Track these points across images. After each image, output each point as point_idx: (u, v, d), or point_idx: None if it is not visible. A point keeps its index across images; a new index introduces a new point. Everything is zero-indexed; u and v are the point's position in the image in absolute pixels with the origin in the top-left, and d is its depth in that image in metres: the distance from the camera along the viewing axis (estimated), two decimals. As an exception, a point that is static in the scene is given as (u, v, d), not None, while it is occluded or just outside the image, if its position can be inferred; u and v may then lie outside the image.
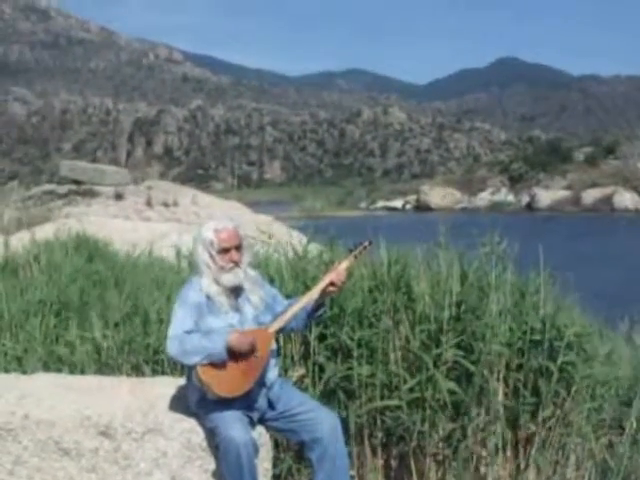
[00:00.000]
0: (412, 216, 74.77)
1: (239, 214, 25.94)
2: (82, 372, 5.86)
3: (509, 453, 5.50)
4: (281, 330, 4.60)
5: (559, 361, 5.35)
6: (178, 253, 8.81)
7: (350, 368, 5.40)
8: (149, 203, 24.20)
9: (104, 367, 6.06)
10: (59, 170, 26.39)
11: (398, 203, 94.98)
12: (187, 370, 4.45)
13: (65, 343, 6.14)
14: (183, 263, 9.06)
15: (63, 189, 24.51)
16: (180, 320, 4.33)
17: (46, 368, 5.90)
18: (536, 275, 5.69)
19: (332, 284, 4.51)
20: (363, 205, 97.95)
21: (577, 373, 5.44)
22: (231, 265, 4.44)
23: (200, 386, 4.25)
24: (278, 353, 5.39)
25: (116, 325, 6.34)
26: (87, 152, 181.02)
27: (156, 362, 5.95)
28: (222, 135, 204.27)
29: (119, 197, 24.17)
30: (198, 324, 4.36)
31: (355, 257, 4.72)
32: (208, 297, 4.43)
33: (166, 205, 24.38)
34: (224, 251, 4.44)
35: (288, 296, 5.09)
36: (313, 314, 4.65)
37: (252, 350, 4.28)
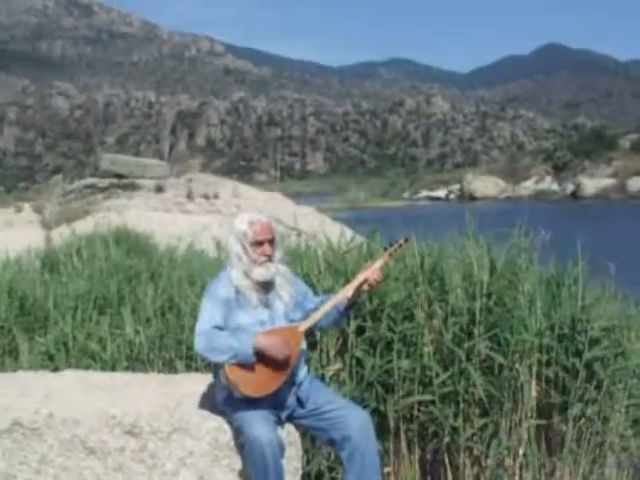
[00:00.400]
0: (456, 206, 74.23)
1: (280, 206, 25.89)
2: (113, 369, 5.81)
3: (543, 450, 5.36)
4: (311, 328, 4.49)
5: (585, 357, 5.21)
6: (218, 245, 8.73)
7: (389, 362, 5.31)
8: (190, 196, 24.22)
9: (136, 363, 6.01)
10: (100, 164, 26.55)
11: (441, 193, 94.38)
12: (214, 367, 4.37)
13: (97, 339, 6.08)
14: (223, 256, 9.00)
15: (104, 183, 24.58)
16: (209, 315, 4.23)
17: (78, 365, 5.85)
18: (572, 266, 5.53)
19: (366, 283, 4.41)
20: (406, 195, 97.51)
21: (607, 368, 5.29)
22: (263, 259, 4.33)
23: (227, 385, 4.16)
24: (314, 348, 5.31)
25: (148, 320, 6.29)
26: (130, 145, 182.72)
27: (189, 358, 5.89)
28: (264, 127, 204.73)
29: (160, 190, 24.22)
30: (227, 320, 4.26)
31: (390, 255, 4.63)
32: (237, 292, 4.32)
33: (207, 197, 24.39)
34: (257, 244, 4.33)
35: (326, 291, 4.99)
36: (345, 312, 4.56)
37: (281, 353, 4.18)
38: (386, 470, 5.44)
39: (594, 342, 5.29)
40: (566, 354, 5.31)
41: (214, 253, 9.68)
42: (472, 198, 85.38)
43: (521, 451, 5.34)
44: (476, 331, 5.32)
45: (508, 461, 5.36)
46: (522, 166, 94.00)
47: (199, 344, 4.16)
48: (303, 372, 4.45)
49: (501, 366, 5.33)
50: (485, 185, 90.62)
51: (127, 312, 6.21)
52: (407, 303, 5.48)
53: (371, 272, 4.43)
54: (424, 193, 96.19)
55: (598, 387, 5.35)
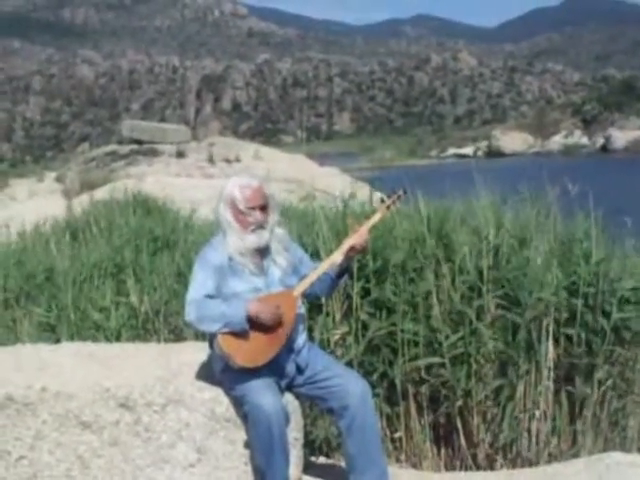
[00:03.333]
0: (484, 162, 73.63)
1: (303, 167, 25.67)
2: (117, 339, 5.71)
3: (564, 413, 5.19)
4: (306, 295, 4.32)
5: (612, 318, 5.00)
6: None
7: (394, 324, 5.14)
8: (211, 160, 24.06)
9: (141, 332, 5.91)
10: (121, 131, 26.47)
11: (469, 150, 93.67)
12: (209, 337, 4.21)
13: (100, 308, 5.97)
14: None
15: (125, 149, 24.49)
16: (200, 283, 4.06)
17: (80, 336, 5.75)
18: (584, 220, 5.32)
19: (354, 247, 4.20)
20: (434, 153, 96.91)
21: (632, 329, 5.09)
22: (254, 226, 4.15)
23: (222, 356, 4.01)
24: (319, 312, 5.15)
25: (155, 289, 6.17)
26: (156, 111, 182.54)
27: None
28: (290, 88, 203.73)
29: (181, 155, 24.07)
30: (220, 288, 4.08)
31: (388, 208, 4.38)
32: (231, 258, 4.14)
33: (228, 161, 24.22)
34: (248, 210, 4.15)
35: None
36: (337, 280, 4.34)
37: (275, 318, 4.01)
38: (397, 435, 5.33)
39: (624, 302, 5.09)
40: (592, 314, 5.10)
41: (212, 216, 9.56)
42: (500, 154, 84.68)
43: (538, 414, 5.18)
44: (484, 289, 5.14)
45: (525, 425, 5.20)
46: (551, 121, 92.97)
47: (189, 314, 3.99)
48: (302, 338, 4.27)
49: (516, 325, 5.14)
50: (513, 141, 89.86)
51: (131, 280, 6.10)
52: (412, 264, 5.31)
53: (359, 236, 4.19)
54: (451, 151, 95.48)
55: (624, 348, 5.17)
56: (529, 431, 5.21)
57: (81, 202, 16.65)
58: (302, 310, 4.32)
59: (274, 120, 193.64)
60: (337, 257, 4.23)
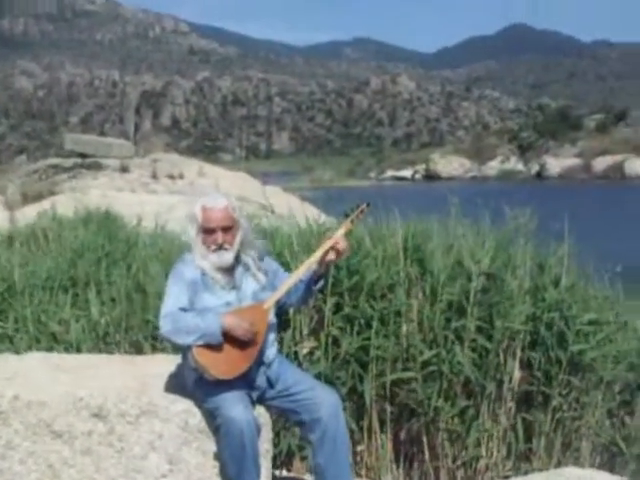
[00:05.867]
0: (422, 185, 74.40)
1: (247, 186, 25.70)
2: (78, 350, 5.70)
3: (520, 434, 5.36)
4: (280, 306, 4.40)
5: (570, 350, 5.20)
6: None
7: (367, 339, 5.25)
8: (155, 176, 23.97)
9: (101, 344, 5.91)
10: (64, 143, 26.21)
11: (407, 173, 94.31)
12: (183, 349, 4.26)
13: (60, 320, 5.95)
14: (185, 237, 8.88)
15: (68, 162, 24.28)
16: (174, 297, 4.13)
17: (39, 347, 5.73)
18: (557, 247, 5.51)
19: (332, 251, 4.27)
20: (372, 175, 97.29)
21: (588, 359, 5.29)
22: (214, 247, 4.23)
23: (196, 368, 4.06)
24: (287, 326, 5.22)
25: (113, 301, 6.18)
26: (94, 125, 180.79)
27: (155, 338, 5.80)
28: (230, 106, 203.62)
29: (125, 170, 23.92)
30: (193, 302, 4.16)
31: (352, 221, 4.46)
32: (203, 273, 4.22)
33: (172, 178, 24.15)
34: (207, 231, 4.23)
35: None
36: (314, 287, 4.41)
37: (249, 334, 4.09)
38: (359, 448, 5.41)
39: (581, 335, 5.27)
40: (552, 343, 5.29)
41: (181, 233, 9.57)
42: (438, 178, 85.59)
43: (500, 434, 5.35)
44: (468, 311, 5.28)
45: (486, 443, 5.35)
46: (487, 146, 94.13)
47: (164, 327, 4.05)
48: (272, 352, 4.35)
49: (486, 349, 5.29)
50: (451, 165, 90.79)
51: (92, 293, 6.10)
52: (387, 281, 5.43)
53: (334, 240, 4.27)
54: (390, 173, 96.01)
55: (578, 377, 5.35)
56: (489, 449, 5.36)
57: (24, 214, 16.44)
58: (273, 321, 4.39)
59: (213, 138, 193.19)
60: (312, 264, 4.29)
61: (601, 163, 75.79)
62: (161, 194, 22.50)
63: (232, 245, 4.25)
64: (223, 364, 4.04)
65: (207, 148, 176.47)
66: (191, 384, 4.22)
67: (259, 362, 4.23)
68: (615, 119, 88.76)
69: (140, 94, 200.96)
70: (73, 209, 12.89)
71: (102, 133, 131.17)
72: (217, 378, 4.03)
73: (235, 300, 4.25)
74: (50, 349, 5.66)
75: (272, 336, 4.36)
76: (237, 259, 4.30)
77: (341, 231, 4.37)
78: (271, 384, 4.29)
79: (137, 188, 22.56)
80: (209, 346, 4.03)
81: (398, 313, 5.33)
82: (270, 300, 4.27)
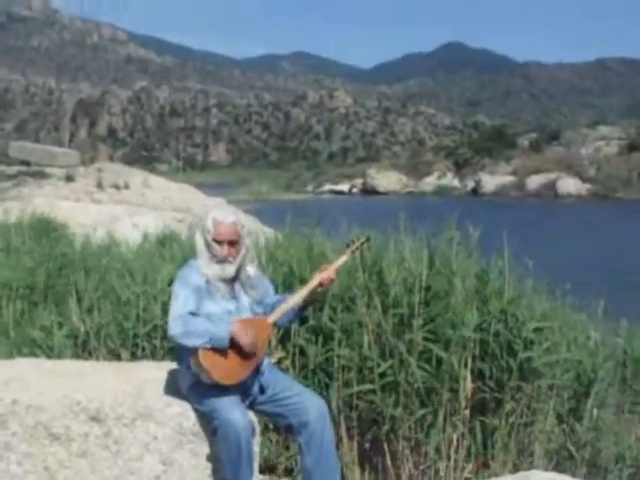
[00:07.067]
0: (360, 200, 75.07)
1: (191, 197, 25.79)
2: (59, 357, 5.82)
3: (478, 440, 5.60)
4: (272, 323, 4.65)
5: (519, 357, 5.46)
6: (146, 236, 8.76)
7: (330, 350, 5.47)
8: (100, 185, 23.90)
9: (81, 352, 6.04)
10: (7, 151, 25.96)
11: (344, 187, 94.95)
12: (180, 353, 4.47)
13: (40, 327, 6.08)
14: (147, 245, 9.06)
15: (12, 170, 24.11)
16: (183, 300, 4.33)
17: (20, 353, 5.84)
18: (497, 260, 5.78)
19: (321, 284, 4.59)
20: (309, 189, 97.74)
21: (538, 365, 5.54)
22: (221, 258, 4.47)
23: (198, 371, 4.25)
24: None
25: (89, 310, 6.31)
26: (30, 132, 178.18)
27: (134, 345, 5.95)
28: (167, 117, 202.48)
29: (70, 179, 23.80)
30: (198, 307, 4.38)
31: (352, 253, 4.81)
32: (207, 281, 4.46)
33: (117, 187, 24.11)
34: (217, 243, 4.47)
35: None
36: (300, 313, 4.74)
37: (254, 344, 4.32)
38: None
39: (529, 343, 5.54)
40: (501, 351, 5.51)
41: (131, 242, 9.71)
42: (375, 193, 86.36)
43: (457, 441, 5.58)
44: (415, 324, 5.52)
45: (445, 450, 5.59)
46: (424, 162, 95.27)
47: (175, 328, 4.24)
48: (265, 361, 4.59)
49: (440, 358, 5.54)
50: (388, 180, 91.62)
51: (72, 301, 6.23)
52: (347, 294, 5.66)
53: (327, 274, 4.59)
54: (327, 187, 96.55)
55: (529, 383, 5.62)
56: (448, 455, 5.61)
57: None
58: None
59: (149, 148, 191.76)
60: (304, 292, 4.59)
61: (534, 181, 77.35)
62: (106, 203, 22.47)
63: (235, 259, 4.50)
64: (225, 370, 4.26)
65: (143, 158, 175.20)
66: (186, 388, 4.41)
67: (255, 370, 4.46)
68: (549, 138, 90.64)
69: (76, 102, 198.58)
70: (19, 217, 12.92)
71: (37, 141, 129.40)
72: (217, 382, 4.23)
73: (235, 310, 4.50)
74: (31, 356, 5.76)
75: (265, 346, 4.60)
76: (237, 272, 4.53)
77: (342, 260, 4.72)
78: (262, 390, 4.52)
79: (82, 197, 22.50)
80: (214, 351, 4.24)
81: (360, 324, 5.56)
82: (274, 315, 4.55)
